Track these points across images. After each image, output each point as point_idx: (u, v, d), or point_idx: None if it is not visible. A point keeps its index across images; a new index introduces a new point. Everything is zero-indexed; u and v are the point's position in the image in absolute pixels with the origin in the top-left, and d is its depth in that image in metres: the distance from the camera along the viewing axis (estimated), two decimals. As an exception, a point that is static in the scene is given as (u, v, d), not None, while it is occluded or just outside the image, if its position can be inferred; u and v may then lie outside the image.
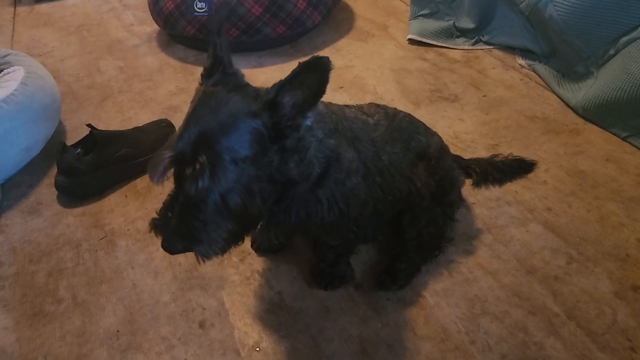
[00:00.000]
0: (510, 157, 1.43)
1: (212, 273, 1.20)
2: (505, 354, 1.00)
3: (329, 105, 1.03)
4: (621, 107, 1.49)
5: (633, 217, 1.27)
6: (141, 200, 1.42)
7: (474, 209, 1.33)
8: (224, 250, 0.83)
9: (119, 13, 2.62)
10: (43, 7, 2.72)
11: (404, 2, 2.48)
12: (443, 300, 1.12)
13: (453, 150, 1.40)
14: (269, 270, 1.21)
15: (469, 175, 1.40)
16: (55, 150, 1.40)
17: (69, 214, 1.40)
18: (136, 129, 1.58)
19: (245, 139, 0.77)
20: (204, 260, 0.81)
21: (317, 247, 1.18)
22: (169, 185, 0.81)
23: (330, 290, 1.15)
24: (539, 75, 1.84)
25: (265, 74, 1.95)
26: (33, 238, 1.33)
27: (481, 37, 2.07)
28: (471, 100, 1.76)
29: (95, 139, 1.44)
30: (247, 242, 1.26)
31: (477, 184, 1.40)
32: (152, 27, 2.40)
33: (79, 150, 1.46)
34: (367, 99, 1.77)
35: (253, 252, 1.25)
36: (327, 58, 0.71)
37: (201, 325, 1.10)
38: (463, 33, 2.11)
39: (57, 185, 1.42)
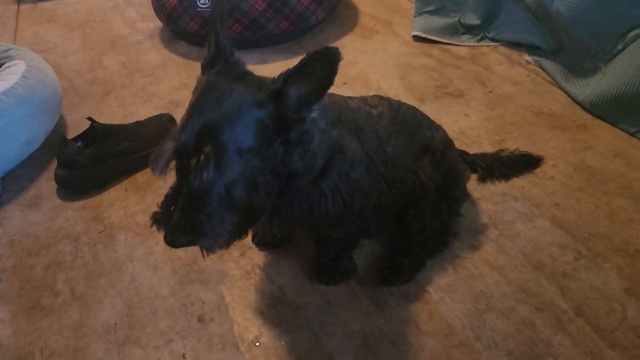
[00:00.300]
0: (516, 152, 1.41)
1: (212, 267, 1.18)
2: (511, 350, 0.98)
3: (331, 95, 1.01)
4: (630, 103, 1.46)
5: (643, 213, 1.25)
6: (141, 194, 1.41)
7: (479, 204, 1.31)
8: (228, 244, 0.81)
9: (123, 10, 2.61)
10: (46, 4, 2.72)
11: (409, 0, 2.46)
12: (448, 295, 1.09)
13: (458, 145, 1.38)
14: (270, 265, 1.19)
15: (474, 171, 1.38)
16: (55, 144, 1.38)
17: (69, 208, 1.38)
18: (137, 123, 1.56)
19: (250, 129, 0.75)
20: (208, 254, 0.79)
21: (319, 241, 1.15)
22: (170, 180, 0.79)
23: (332, 285, 1.12)
24: (545, 72, 1.82)
25: (268, 71, 1.92)
26: (32, 231, 1.31)
27: (487, 34, 2.05)
28: (476, 96, 1.73)
29: (96, 133, 1.42)
30: (248, 236, 1.23)
31: (482, 179, 1.37)
32: (155, 24, 2.39)
33: (79, 143, 1.45)
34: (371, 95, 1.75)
35: (254, 246, 1.23)
36: (337, 49, 0.68)
37: (200, 319, 1.07)
38: (468, 30, 2.08)
39: (57, 179, 1.40)
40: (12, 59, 1.59)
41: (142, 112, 1.74)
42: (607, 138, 1.49)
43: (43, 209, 1.38)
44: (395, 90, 1.80)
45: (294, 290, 1.13)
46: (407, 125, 1.12)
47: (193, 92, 0.80)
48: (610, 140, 1.48)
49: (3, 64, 1.59)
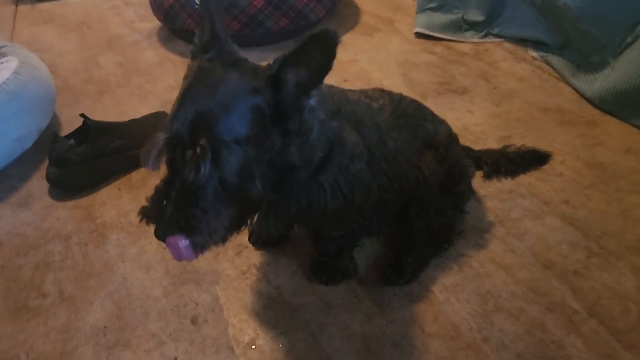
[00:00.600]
0: (523, 148, 1.35)
1: (206, 267, 1.13)
2: (521, 352, 0.92)
3: (330, 87, 0.97)
4: (640, 97, 1.41)
5: (657, 209, 1.19)
6: (135, 193, 1.36)
7: (485, 202, 1.26)
8: (224, 239, 0.77)
9: (121, 10, 2.58)
10: (45, 5, 2.69)
11: (411, -2, 2.42)
12: (453, 295, 1.04)
13: (462, 142, 1.32)
14: (266, 264, 1.14)
15: (479, 167, 1.32)
16: (47, 142, 1.34)
17: (60, 207, 1.33)
18: (132, 120, 1.51)
19: (246, 117, 0.71)
20: (201, 252, 0.74)
21: (318, 240, 1.10)
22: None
23: (331, 285, 1.07)
24: (552, 67, 1.77)
25: (267, 68, 1.87)
26: (21, 231, 1.27)
27: (491, 30, 2.00)
28: (481, 93, 1.69)
29: (89, 130, 1.38)
30: (244, 235, 1.19)
31: (488, 176, 1.31)
32: (153, 24, 2.35)
33: (72, 141, 1.40)
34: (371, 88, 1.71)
35: (250, 245, 1.18)
36: (335, 31, 0.64)
37: (193, 321, 1.02)
38: (472, 26, 2.04)
39: (48, 177, 1.36)
40: (5, 56, 1.55)
41: (138, 110, 1.70)
42: (617, 134, 1.44)
43: (34, 208, 1.34)
44: (397, 87, 1.73)
45: (291, 290, 1.08)
46: (409, 119, 1.08)
47: (184, 78, 0.76)
48: (621, 136, 1.43)
49: (-4, 61, 1.55)
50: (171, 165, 0.72)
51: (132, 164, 1.44)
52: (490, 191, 1.29)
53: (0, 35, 2.37)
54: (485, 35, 2.01)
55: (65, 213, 1.31)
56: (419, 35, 2.08)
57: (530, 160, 1.34)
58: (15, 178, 1.44)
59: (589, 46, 1.61)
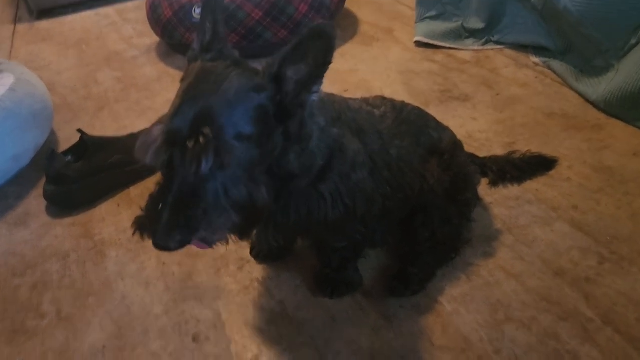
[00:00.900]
0: (528, 154, 1.33)
1: (207, 283, 1.10)
2: (535, 364, 0.89)
3: (331, 95, 0.95)
4: (646, 100, 1.38)
5: (668, 213, 1.16)
6: (134, 209, 1.33)
7: (492, 209, 1.23)
8: (227, 239, 0.74)
9: (119, 27, 2.57)
10: (43, 23, 2.69)
11: (409, 7, 2.40)
12: (462, 306, 1.01)
13: (467, 149, 1.29)
14: (269, 279, 1.10)
15: (485, 174, 1.29)
16: (44, 159, 1.32)
17: (58, 225, 1.31)
18: (130, 135, 1.49)
19: (250, 115, 0.68)
20: (210, 246, 0.71)
21: (321, 252, 1.07)
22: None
23: (336, 298, 1.04)
24: (554, 72, 1.74)
25: (267, 81, 1.85)
26: (18, 250, 1.24)
27: (491, 37, 1.98)
28: (483, 100, 1.66)
29: (86, 145, 1.36)
30: (246, 249, 1.16)
31: (494, 183, 1.29)
32: (151, 39, 2.34)
33: (69, 157, 1.38)
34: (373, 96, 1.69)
35: (252, 259, 1.15)
36: (331, 23, 0.64)
37: (195, 338, 0.99)
38: (472, 34, 2.02)
39: (46, 195, 1.34)
40: (1, 73, 1.54)
41: (137, 125, 1.68)
42: (624, 137, 1.41)
43: (31, 227, 1.31)
44: (399, 96, 1.69)
45: (295, 305, 1.05)
46: (412, 126, 1.05)
47: (182, 80, 0.74)
48: (627, 139, 1.40)
49: (-9, 78, 1.54)
50: (169, 166, 0.68)
51: (131, 179, 1.41)
52: (496, 198, 1.26)
53: (-1, 54, 2.37)
54: (486, 43, 1.99)
55: (63, 231, 1.29)
56: (419, 44, 2.06)
57: (536, 166, 1.32)
58: (12, 197, 1.42)
59: (592, 50, 1.59)
